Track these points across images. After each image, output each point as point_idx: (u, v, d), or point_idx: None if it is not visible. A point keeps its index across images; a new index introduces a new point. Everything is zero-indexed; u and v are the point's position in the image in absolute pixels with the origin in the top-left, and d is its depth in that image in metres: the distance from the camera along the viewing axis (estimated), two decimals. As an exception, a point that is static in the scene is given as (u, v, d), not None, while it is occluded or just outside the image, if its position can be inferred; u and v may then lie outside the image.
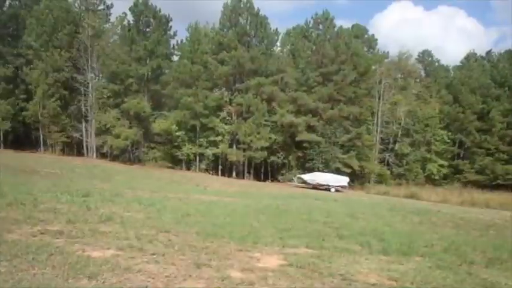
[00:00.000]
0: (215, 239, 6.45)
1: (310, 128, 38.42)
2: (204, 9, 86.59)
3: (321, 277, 4.79)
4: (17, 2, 43.90)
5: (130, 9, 40.57)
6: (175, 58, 43.71)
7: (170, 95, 39.69)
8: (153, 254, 5.14)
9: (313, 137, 37.59)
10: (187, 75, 38.14)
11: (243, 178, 39.15)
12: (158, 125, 38.72)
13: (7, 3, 42.74)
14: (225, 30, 40.90)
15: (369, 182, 40.57)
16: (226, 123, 39.76)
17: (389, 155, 44.36)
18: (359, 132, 38.57)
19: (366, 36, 56.05)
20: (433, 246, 7.76)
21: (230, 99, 40.38)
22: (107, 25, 43.15)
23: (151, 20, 40.85)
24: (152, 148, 40.27)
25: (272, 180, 39.60)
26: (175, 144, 39.80)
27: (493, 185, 42.26)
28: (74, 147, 42.28)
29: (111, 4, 42.62)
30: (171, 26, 42.08)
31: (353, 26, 55.26)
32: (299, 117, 37.86)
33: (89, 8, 41.82)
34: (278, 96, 39.21)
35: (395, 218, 12.90)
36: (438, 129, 45.88)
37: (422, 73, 57.99)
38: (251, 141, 37.19)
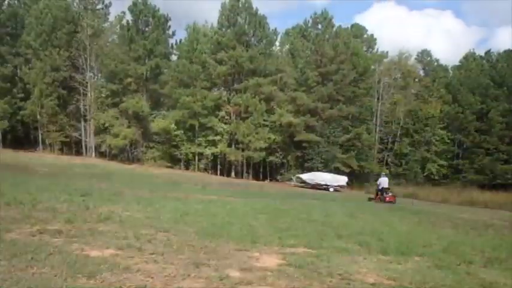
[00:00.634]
0: (214, 238, 6.44)
1: (309, 128, 38.43)
2: (201, 8, 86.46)
3: (320, 277, 4.78)
4: (16, 1, 43.91)
5: (129, 8, 40.61)
6: (174, 58, 43.74)
7: (169, 95, 39.69)
8: (152, 254, 5.13)
9: (312, 136, 37.61)
10: (186, 74, 38.13)
11: (242, 178, 39.15)
12: (157, 125, 38.70)
13: (6, 2, 42.69)
14: (224, 29, 40.88)
15: (368, 181, 40.62)
16: (225, 123, 39.77)
17: (388, 155, 44.41)
18: (358, 132, 38.62)
19: (365, 36, 56.08)
20: (431, 246, 7.76)
21: (229, 99, 40.38)
22: (106, 24, 43.10)
23: (150, 19, 40.81)
24: (151, 147, 40.25)
25: (271, 180, 39.61)
26: (174, 143, 39.80)
27: (492, 184, 42.34)
28: (73, 147, 42.26)
29: (110, 3, 42.60)
30: (169, 26, 42.14)
31: (352, 25, 55.38)
32: (298, 117, 37.88)
33: (87, 7, 41.79)
34: (277, 96, 39.22)
35: (394, 218, 12.91)
36: (438, 129, 45.93)
37: (421, 73, 58.02)
38: (250, 141, 37.19)
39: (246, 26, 40.35)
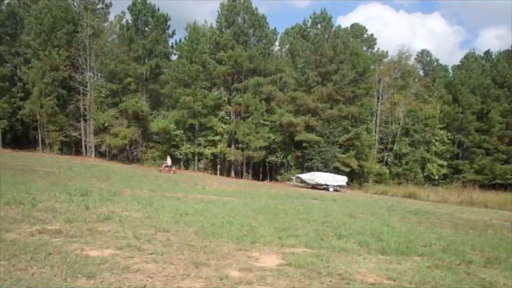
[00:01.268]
0: (214, 238, 6.45)
1: (309, 128, 38.43)
2: (201, 8, 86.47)
3: (320, 277, 4.79)
4: (15, 1, 43.84)
5: (128, 8, 40.63)
6: (173, 57, 43.75)
7: (168, 94, 39.68)
8: (152, 254, 5.13)
9: (312, 136, 37.60)
10: (186, 74, 38.12)
11: (242, 177, 39.15)
12: (156, 124, 38.71)
13: (5, 1, 42.72)
14: (222, 29, 40.87)
15: (367, 181, 40.64)
16: (224, 123, 39.76)
17: (388, 155, 44.42)
18: (358, 132, 38.61)
19: (364, 35, 56.08)
20: (431, 245, 7.77)
21: (228, 99, 40.37)
22: (106, 24, 43.12)
23: (150, 19, 40.84)
24: (150, 147, 40.25)
25: (271, 180, 39.61)
26: (174, 143, 39.78)
27: (492, 184, 42.37)
28: (72, 146, 42.28)
29: (110, 3, 42.71)
30: (169, 25, 42.16)
31: (352, 25, 55.36)
32: (298, 117, 37.87)
33: (87, 7, 41.82)
34: (277, 95, 39.23)
35: (394, 218, 12.92)
36: (438, 129, 45.93)
37: (421, 73, 58.06)
38: (250, 140, 37.18)
39: (245, 26, 40.35)
